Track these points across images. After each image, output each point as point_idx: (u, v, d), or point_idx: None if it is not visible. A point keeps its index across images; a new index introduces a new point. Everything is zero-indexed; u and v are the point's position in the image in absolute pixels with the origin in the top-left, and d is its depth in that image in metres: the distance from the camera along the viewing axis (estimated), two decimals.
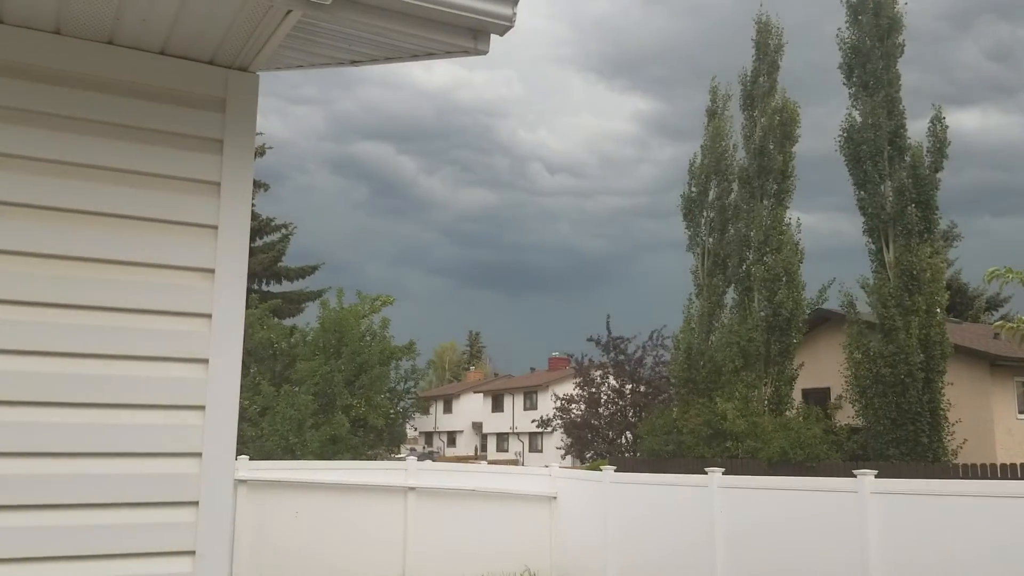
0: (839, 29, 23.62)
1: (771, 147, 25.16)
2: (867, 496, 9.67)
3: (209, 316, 3.09)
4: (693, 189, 27.08)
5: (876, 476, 9.93)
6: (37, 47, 3.01)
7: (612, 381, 31.86)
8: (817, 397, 26.61)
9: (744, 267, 25.24)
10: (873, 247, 22.72)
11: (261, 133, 41.40)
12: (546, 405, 43.53)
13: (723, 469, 12.33)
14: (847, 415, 23.88)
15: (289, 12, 2.84)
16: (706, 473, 12.01)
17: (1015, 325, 6.68)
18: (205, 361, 3.06)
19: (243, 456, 13.41)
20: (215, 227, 3.14)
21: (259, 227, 38.00)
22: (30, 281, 2.89)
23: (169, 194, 3.11)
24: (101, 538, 2.87)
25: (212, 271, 3.11)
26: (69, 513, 2.85)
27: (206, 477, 3.01)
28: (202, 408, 3.03)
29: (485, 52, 3.03)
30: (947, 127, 22.45)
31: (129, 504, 2.91)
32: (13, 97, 2.95)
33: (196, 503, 2.99)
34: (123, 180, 3.05)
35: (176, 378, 3.02)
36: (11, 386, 2.82)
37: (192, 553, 2.97)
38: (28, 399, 2.84)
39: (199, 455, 3.01)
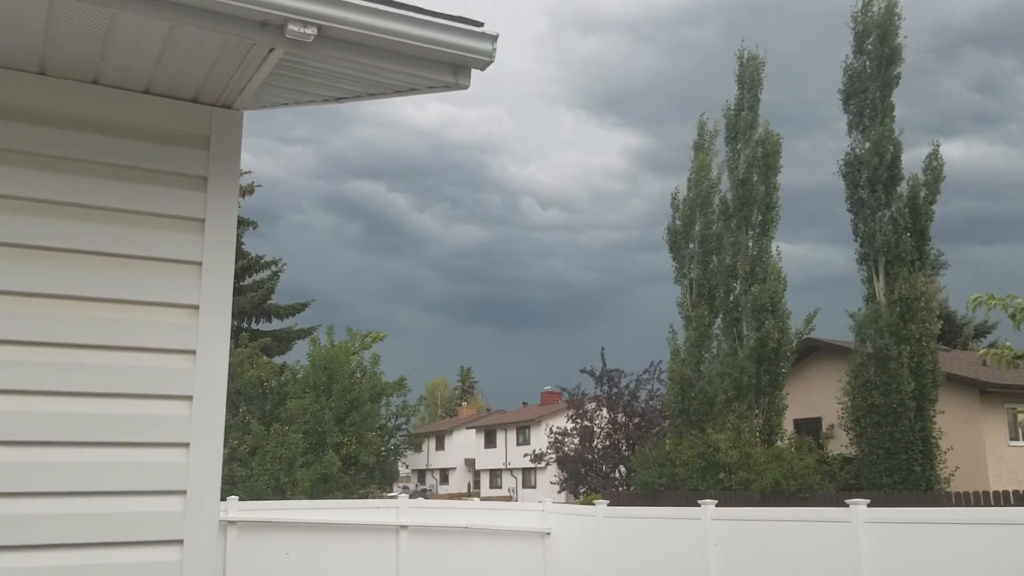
0: (846, 55, 24.00)
1: (754, 178, 25.45)
2: (860, 526, 9.63)
3: (194, 352, 3.08)
4: (678, 222, 27.34)
5: (869, 505, 9.90)
6: (22, 88, 3.03)
7: (605, 413, 31.78)
8: (808, 427, 26.57)
9: (732, 297, 25.36)
10: (865, 275, 22.91)
11: (248, 172, 41.51)
12: (539, 440, 43.33)
13: (716, 501, 12.28)
14: (839, 444, 23.85)
15: (272, 50, 2.88)
16: (699, 505, 11.94)
17: (999, 351, 6.69)
18: (189, 398, 3.05)
19: (233, 496, 13.26)
20: (199, 263, 3.15)
21: (248, 265, 37.97)
22: (15, 320, 2.88)
23: (153, 231, 3.12)
24: None
25: (197, 307, 3.12)
26: (53, 553, 2.82)
27: (190, 515, 2.98)
28: (186, 445, 3.02)
29: (466, 87, 3.07)
30: (943, 162, 22.85)
31: (114, 543, 2.89)
32: None
33: (181, 541, 2.96)
34: (107, 218, 3.06)
35: (160, 415, 3.01)
36: None
37: None
38: (12, 439, 2.82)
39: (183, 493, 2.99)
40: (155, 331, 3.06)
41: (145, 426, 2.99)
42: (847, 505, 9.94)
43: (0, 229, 2.92)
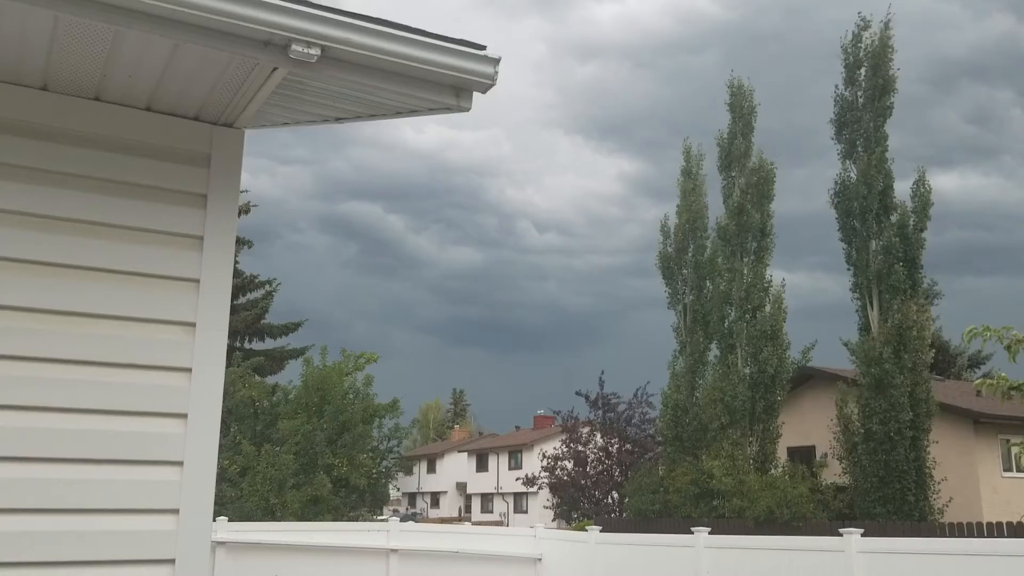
0: (836, 86, 24.25)
1: (749, 206, 25.59)
2: (854, 555, 9.60)
3: (189, 370, 3.07)
4: (669, 248, 27.45)
5: (862, 535, 9.87)
6: (24, 103, 3.04)
7: (599, 439, 31.64)
8: (802, 455, 26.51)
9: (726, 324, 25.40)
10: (859, 304, 22.98)
11: (246, 191, 41.57)
12: (531, 464, 43.11)
13: (709, 528, 12.23)
14: (833, 473, 23.78)
15: (275, 70, 2.89)
16: (692, 532, 11.88)
17: (994, 382, 6.70)
18: (184, 416, 3.03)
19: (222, 517, 13.17)
20: (197, 281, 3.14)
21: (242, 284, 37.89)
22: (10, 335, 2.87)
23: (152, 248, 3.11)
24: None
25: (193, 325, 3.11)
26: (46, 571, 2.78)
27: (183, 534, 2.96)
28: (180, 464, 3.00)
29: (468, 109, 3.09)
30: (931, 189, 23.00)
31: (106, 561, 2.85)
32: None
33: (172, 561, 2.93)
34: (106, 234, 3.06)
35: (155, 433, 2.99)
36: None
37: None
38: (4, 454, 2.80)
39: (176, 512, 2.96)
40: (151, 348, 3.04)
41: (139, 443, 2.96)
42: (841, 534, 9.90)
43: (4, 244, 2.91)
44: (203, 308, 3.12)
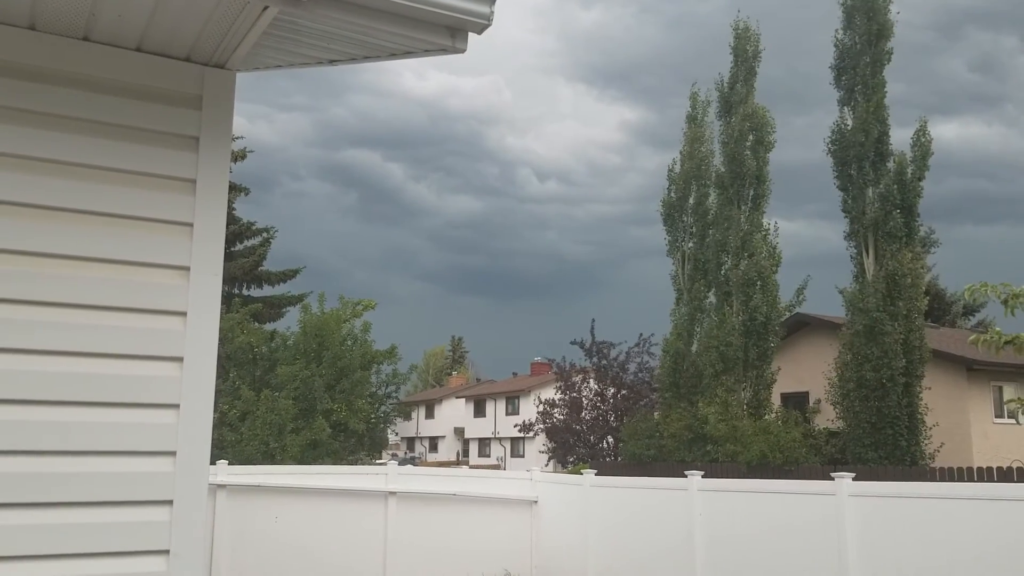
0: (836, 31, 23.93)
1: (746, 152, 25.40)
2: (845, 499, 9.73)
3: (184, 314, 3.07)
4: (673, 194, 27.30)
5: (854, 479, 10.00)
6: (12, 43, 2.99)
7: (593, 385, 31.92)
8: (796, 401, 26.78)
9: (723, 272, 25.43)
10: (854, 251, 22.98)
11: (242, 137, 41.19)
12: (528, 410, 43.54)
13: (703, 472, 12.38)
14: (826, 419, 24.05)
15: (265, 8, 2.83)
16: (686, 476, 12.05)
17: (989, 337, 6.78)
18: (180, 359, 3.04)
19: (222, 460, 13.31)
20: (190, 224, 3.12)
21: (240, 231, 37.78)
22: (2, 278, 2.86)
23: (144, 191, 3.08)
24: (76, 536, 2.84)
25: (187, 268, 3.10)
26: (43, 512, 2.82)
27: (181, 476, 2.98)
28: (176, 407, 3.01)
29: (463, 50, 3.04)
30: (932, 139, 22.84)
31: (103, 503, 2.89)
32: None
33: (170, 502, 2.96)
34: (98, 177, 3.03)
35: (150, 376, 3.00)
36: None
37: (167, 552, 2.95)
38: (1, 397, 2.81)
39: (173, 454, 2.99)
40: (146, 292, 3.04)
41: (136, 386, 2.98)
42: (832, 478, 10.03)
43: None
44: (197, 252, 3.11)
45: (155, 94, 3.16)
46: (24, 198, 2.93)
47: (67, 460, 2.87)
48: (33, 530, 2.79)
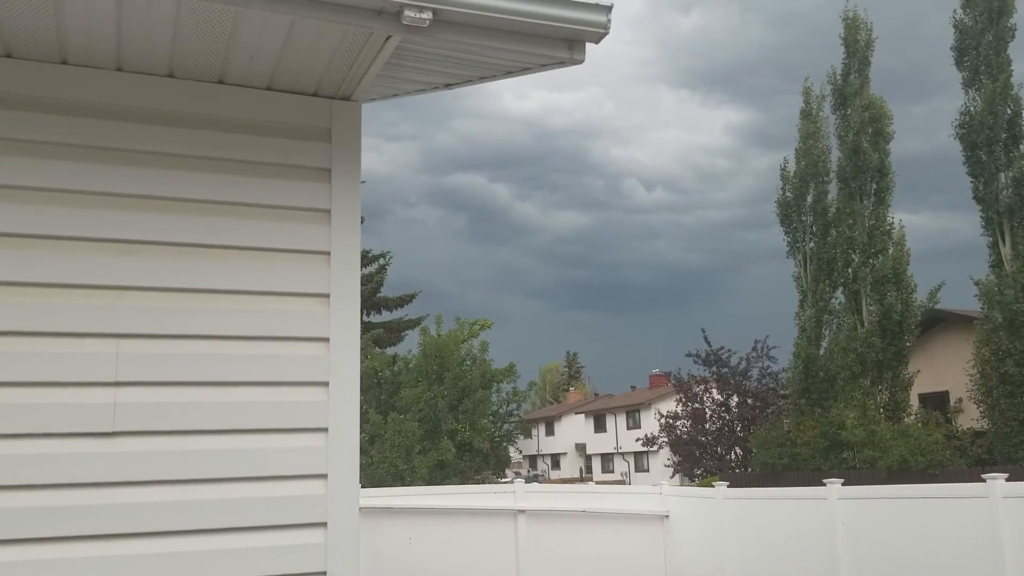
0: (954, 11, 22.89)
1: (865, 145, 24.42)
2: (999, 501, 9.18)
3: (327, 340, 3.16)
4: (788, 194, 26.49)
5: (1007, 480, 9.42)
6: (153, 91, 3.16)
7: (716, 395, 31.17)
8: (935, 401, 25.42)
9: (850, 270, 24.46)
10: (990, 240, 21.76)
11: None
12: (649, 423, 42.95)
13: (842, 480, 11.89)
14: (969, 418, 22.72)
15: (389, 38, 2.90)
16: (824, 485, 11.59)
17: None
18: (326, 384, 3.13)
19: None
20: (328, 253, 3.22)
21: None
22: (159, 315, 3.01)
23: (283, 224, 3.20)
24: (236, 561, 2.94)
25: (327, 296, 3.19)
26: (202, 538, 2.93)
27: (333, 497, 3.06)
28: (325, 430, 3.10)
29: (581, 61, 3.03)
30: None
31: (261, 527, 2.98)
32: (131, 140, 3.09)
33: (324, 524, 3.04)
34: (239, 212, 3.16)
35: (299, 402, 3.10)
36: (141, 416, 2.93)
37: (324, 574, 3.02)
38: (154, 429, 2.94)
39: (325, 476, 3.07)
40: (290, 320, 3.14)
41: (285, 412, 3.07)
42: (983, 480, 9.48)
43: (141, 227, 3.05)
44: (335, 279, 3.20)
45: (287, 130, 3.29)
46: (172, 238, 3.08)
47: (225, 487, 2.98)
48: (194, 556, 2.91)
